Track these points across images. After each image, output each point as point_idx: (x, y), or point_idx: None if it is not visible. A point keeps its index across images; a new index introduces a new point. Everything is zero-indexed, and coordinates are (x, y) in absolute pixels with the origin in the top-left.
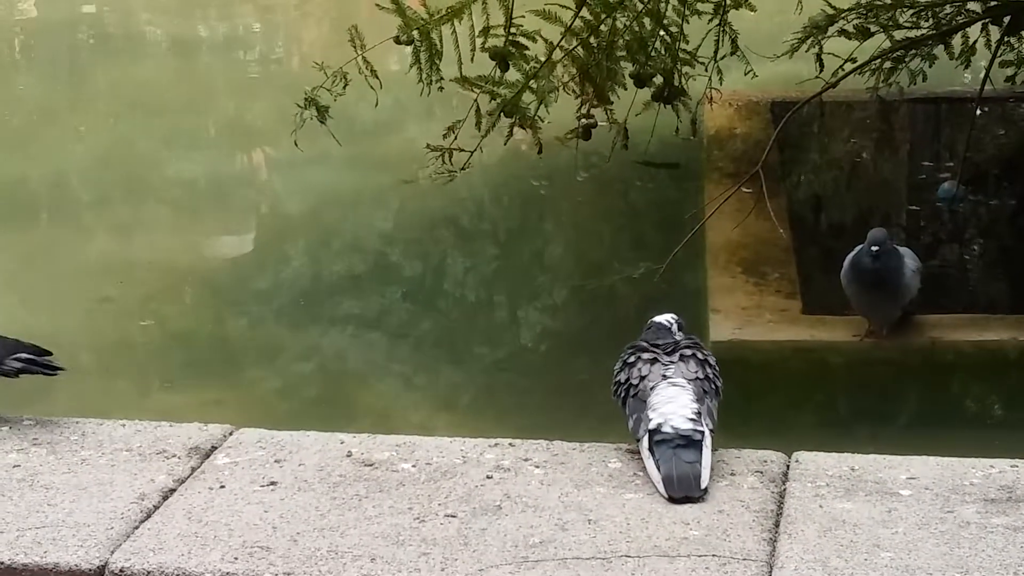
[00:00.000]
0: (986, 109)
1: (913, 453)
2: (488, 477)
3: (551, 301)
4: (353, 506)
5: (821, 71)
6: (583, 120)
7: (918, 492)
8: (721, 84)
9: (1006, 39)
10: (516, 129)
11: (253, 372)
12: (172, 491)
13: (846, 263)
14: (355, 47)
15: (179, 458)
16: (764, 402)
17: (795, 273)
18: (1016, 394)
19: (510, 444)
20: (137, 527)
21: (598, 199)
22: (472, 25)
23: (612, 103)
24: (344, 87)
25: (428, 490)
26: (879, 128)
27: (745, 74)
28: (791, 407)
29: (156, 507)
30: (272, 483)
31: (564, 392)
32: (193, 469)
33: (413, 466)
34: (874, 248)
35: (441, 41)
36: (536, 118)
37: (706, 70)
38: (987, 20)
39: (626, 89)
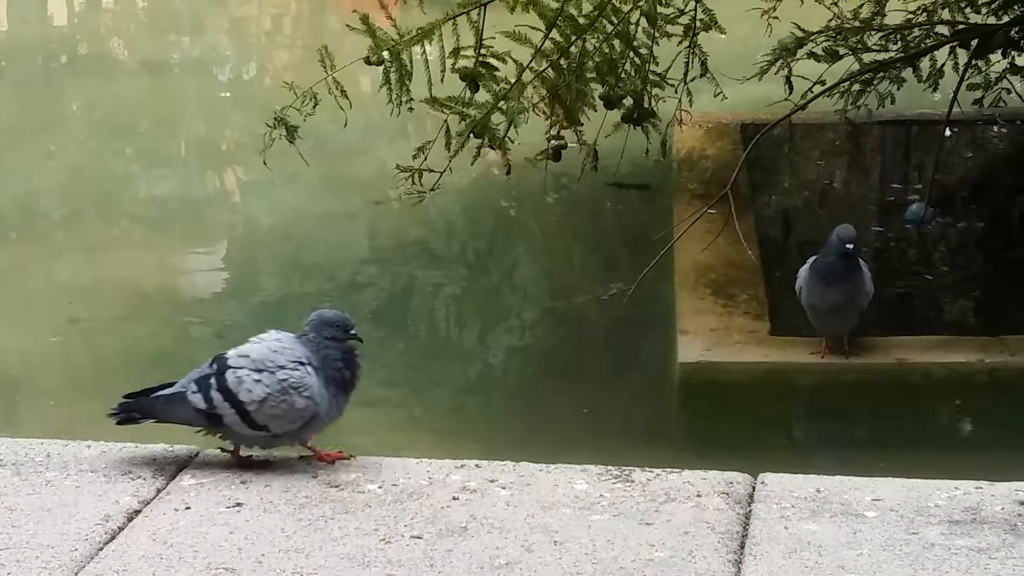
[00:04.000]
0: (956, 131)
1: (879, 475)
2: (454, 498)
3: (520, 322)
4: (319, 527)
5: (790, 93)
6: (553, 141)
7: (883, 514)
8: (691, 106)
9: (974, 62)
10: (486, 150)
11: None
12: (137, 512)
13: (804, 271)
14: (325, 67)
15: (145, 479)
16: (731, 423)
17: (763, 295)
18: (982, 416)
19: (477, 465)
20: (101, 549)
21: (568, 220)
22: (442, 46)
23: (582, 124)
24: (314, 107)
25: (394, 511)
26: (849, 150)
27: (715, 96)
28: (758, 428)
29: (121, 528)
30: (238, 504)
31: (531, 413)
32: (159, 490)
33: (379, 487)
34: (849, 246)
35: (411, 61)
36: (506, 139)
37: (676, 92)
38: (955, 43)
39: (596, 111)
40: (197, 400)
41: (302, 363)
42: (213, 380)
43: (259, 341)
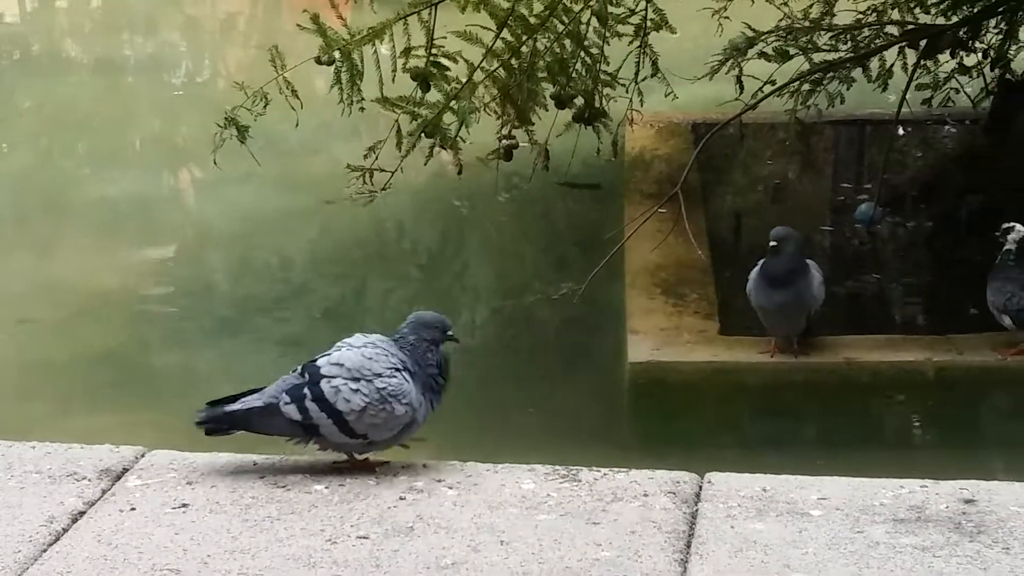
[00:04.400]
0: (910, 130)
1: (826, 473)
2: (401, 498)
3: (470, 321)
4: (265, 528)
5: (741, 93)
6: (504, 141)
7: (829, 512)
8: (642, 105)
9: (922, 62)
10: (437, 150)
11: (171, 393)
12: (82, 514)
13: (754, 272)
14: (275, 67)
15: (90, 480)
16: (680, 423)
17: (713, 294)
18: (929, 414)
19: (424, 465)
20: (45, 550)
21: (519, 219)
22: (393, 45)
23: (533, 124)
24: (264, 107)
25: (341, 512)
26: (800, 150)
27: (666, 96)
28: (707, 428)
29: (65, 530)
30: (183, 505)
31: (480, 413)
32: (104, 491)
33: (326, 488)
34: (772, 244)
35: (362, 61)
36: (457, 139)
37: (627, 92)
38: (904, 44)
39: (547, 110)
40: (291, 411)
41: (398, 369)
42: (307, 390)
43: (348, 347)
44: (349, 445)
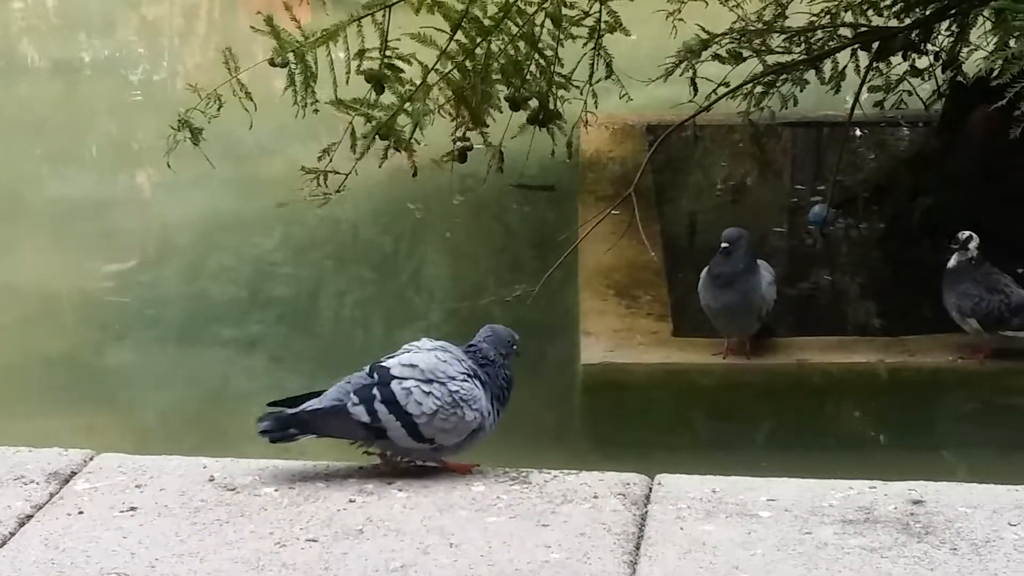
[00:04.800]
0: (867, 132)
1: (778, 475)
2: (351, 501)
3: (425, 323)
4: (214, 531)
5: (695, 95)
6: (459, 143)
7: (778, 514)
8: (596, 107)
9: (875, 65)
10: (392, 152)
11: (121, 396)
12: (29, 517)
13: (704, 273)
14: (229, 69)
15: (37, 484)
16: (632, 424)
17: (666, 296)
18: (880, 416)
19: (374, 467)
20: None
21: (474, 221)
22: (348, 48)
23: (488, 126)
24: (218, 109)
25: (290, 514)
26: (754, 152)
27: (620, 98)
28: (658, 429)
29: (12, 534)
30: (132, 508)
31: None
32: (51, 495)
33: (276, 490)
34: (724, 245)
35: (316, 63)
36: (412, 141)
37: (581, 94)
38: (856, 46)
39: (501, 112)
40: (359, 413)
41: (470, 375)
42: (376, 391)
43: (418, 349)
44: (416, 450)
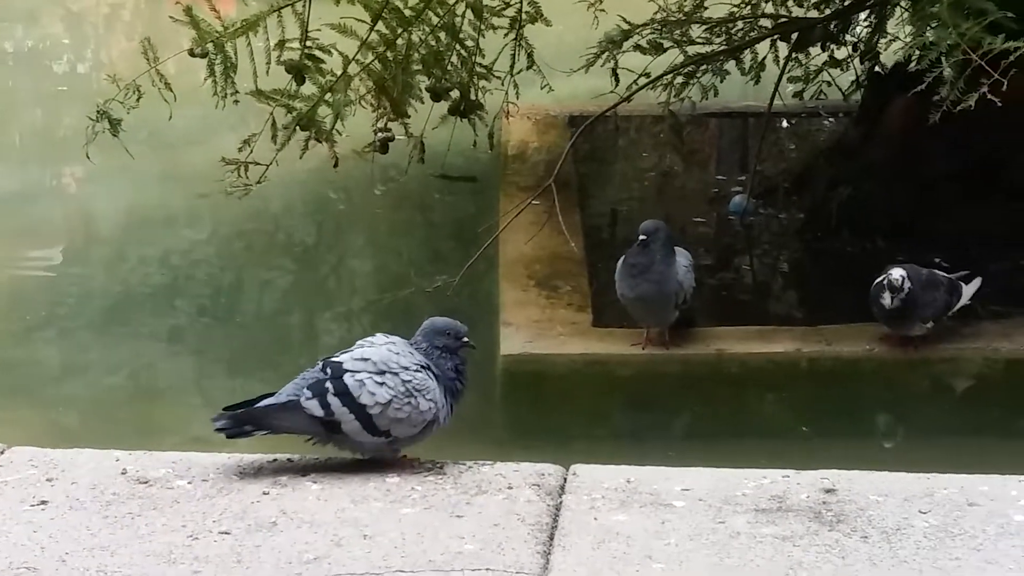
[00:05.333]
0: (790, 122)
1: (694, 465)
2: (264, 493)
3: (347, 314)
4: (126, 524)
5: (616, 85)
6: (380, 134)
7: (692, 503)
8: (518, 98)
9: (794, 55)
10: (313, 143)
11: (34, 389)
12: None
13: (619, 263)
14: (148, 60)
15: None
16: (550, 415)
17: (586, 286)
18: (797, 404)
19: (288, 459)
20: None
21: (395, 213)
22: (268, 38)
23: (409, 117)
24: (138, 100)
25: (203, 507)
26: (677, 142)
27: (541, 88)
28: (577, 420)
29: None
30: (43, 502)
31: None
32: None
33: (189, 483)
34: (642, 237)
35: (236, 54)
36: (333, 132)
37: (503, 84)
38: (776, 37)
39: (423, 103)
40: (313, 407)
41: (423, 366)
42: (329, 384)
43: (371, 344)
44: (371, 444)
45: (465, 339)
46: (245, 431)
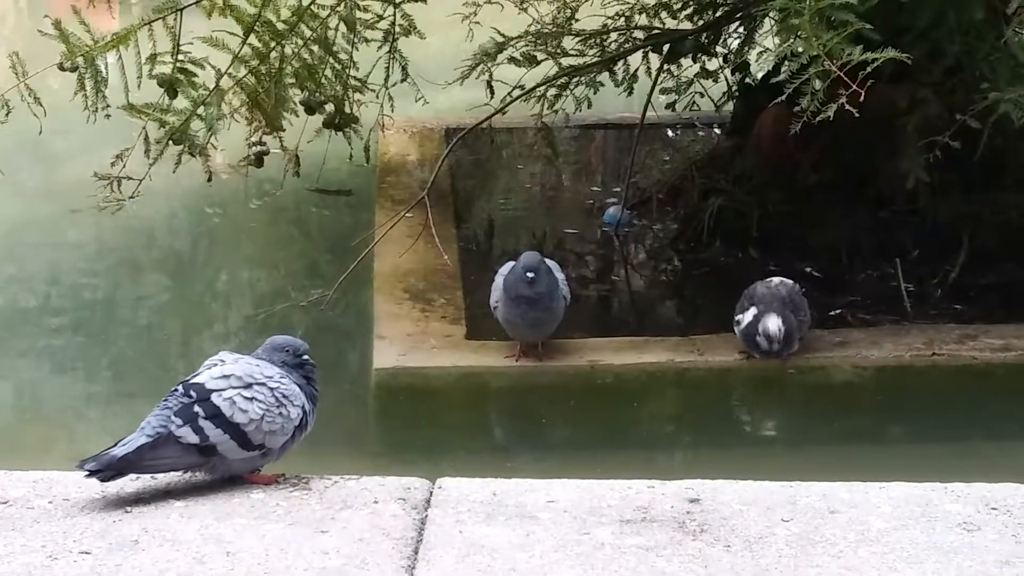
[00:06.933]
0: (665, 134)
1: (564, 476)
2: (126, 511)
3: (222, 330)
4: None
5: (491, 98)
6: (255, 147)
7: (557, 515)
8: (393, 111)
9: (666, 67)
10: (187, 157)
11: None
12: None
13: (499, 285)
14: (16, 74)
15: None
16: (422, 428)
17: (461, 299)
18: (668, 415)
19: (152, 478)
20: None
21: (271, 227)
22: (139, 52)
23: (283, 130)
24: (7, 114)
25: (63, 527)
26: (552, 154)
27: (416, 101)
28: (449, 433)
29: None
30: None
31: None
32: None
33: (50, 502)
34: (530, 275)
35: (107, 68)
36: (209, 145)
37: (378, 97)
38: (648, 48)
39: (297, 116)
40: (186, 434)
41: (284, 375)
42: (199, 408)
43: (223, 362)
44: (245, 460)
45: (304, 356)
46: (122, 474)
